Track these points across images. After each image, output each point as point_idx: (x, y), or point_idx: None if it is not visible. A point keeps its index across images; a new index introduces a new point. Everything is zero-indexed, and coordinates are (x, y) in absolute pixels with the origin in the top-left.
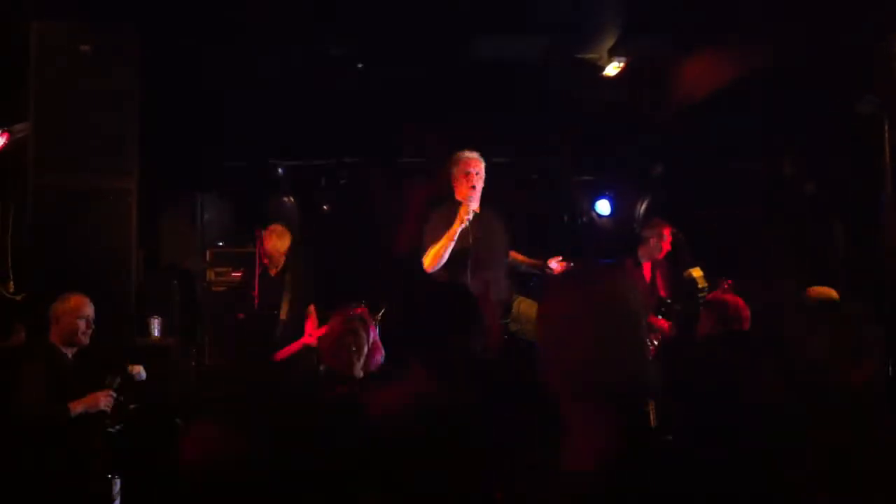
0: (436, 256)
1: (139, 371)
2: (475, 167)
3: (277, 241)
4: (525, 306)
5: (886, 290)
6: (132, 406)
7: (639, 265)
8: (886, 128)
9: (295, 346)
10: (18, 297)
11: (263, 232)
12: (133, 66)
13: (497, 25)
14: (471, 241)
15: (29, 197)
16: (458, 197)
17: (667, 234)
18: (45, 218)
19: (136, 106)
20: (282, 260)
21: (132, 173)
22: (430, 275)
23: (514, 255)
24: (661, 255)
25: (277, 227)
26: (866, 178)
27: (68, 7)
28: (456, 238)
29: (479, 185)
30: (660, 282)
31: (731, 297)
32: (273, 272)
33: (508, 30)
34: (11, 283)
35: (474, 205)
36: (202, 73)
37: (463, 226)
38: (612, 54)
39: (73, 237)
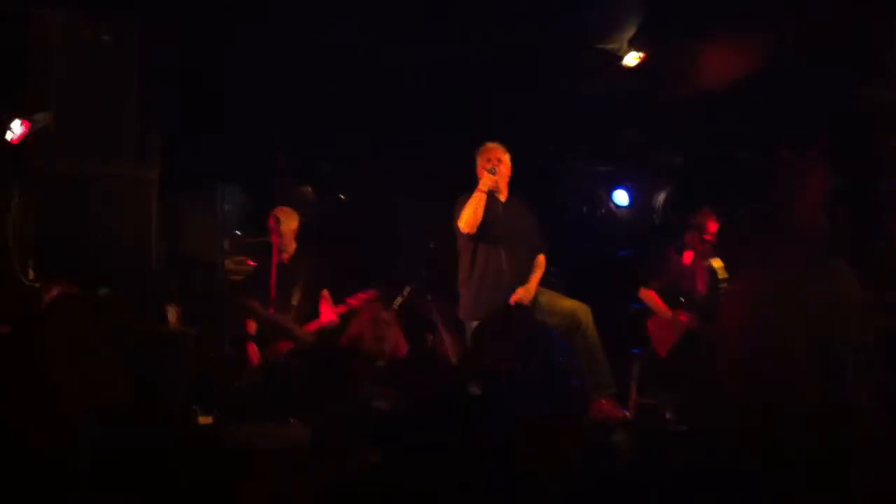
0: (470, 218)
1: None
2: (497, 155)
3: (285, 222)
4: (546, 298)
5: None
6: None
7: (680, 253)
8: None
9: (311, 328)
10: (38, 285)
11: (271, 216)
12: (153, 54)
13: (517, 14)
14: (501, 229)
15: (49, 186)
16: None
17: (711, 225)
18: (65, 207)
19: (157, 93)
20: (293, 245)
21: (154, 162)
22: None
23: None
24: (703, 246)
25: (284, 209)
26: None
27: None
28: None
29: (503, 171)
30: (699, 272)
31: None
32: (286, 258)
33: (528, 18)
34: (32, 271)
35: (497, 188)
36: (225, 61)
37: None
38: (632, 45)
39: (94, 226)
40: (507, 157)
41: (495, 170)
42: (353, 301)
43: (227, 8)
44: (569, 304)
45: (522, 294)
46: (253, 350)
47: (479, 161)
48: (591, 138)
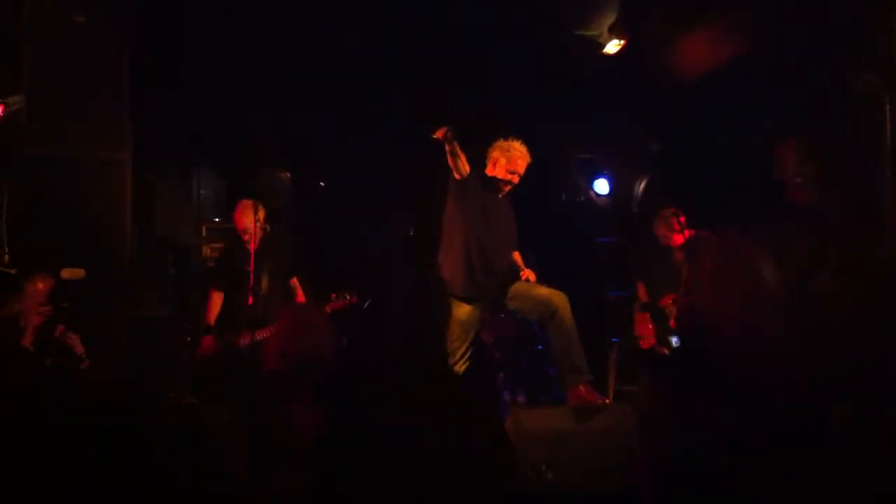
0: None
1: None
2: (520, 168)
3: (244, 216)
4: (522, 285)
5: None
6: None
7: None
8: (888, 108)
9: (263, 334)
10: (13, 271)
11: (236, 209)
12: (129, 37)
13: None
14: (487, 220)
15: (23, 169)
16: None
17: (674, 222)
18: (39, 190)
19: (131, 78)
20: (259, 234)
21: (127, 144)
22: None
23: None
24: (671, 244)
25: (245, 202)
26: (864, 158)
27: None
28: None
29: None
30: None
31: None
32: (251, 247)
33: (507, 5)
34: (7, 255)
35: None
36: (200, 46)
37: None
38: (612, 32)
39: (67, 209)
40: (525, 165)
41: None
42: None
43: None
44: (545, 291)
45: (529, 273)
46: (208, 341)
47: (497, 155)
48: (572, 127)
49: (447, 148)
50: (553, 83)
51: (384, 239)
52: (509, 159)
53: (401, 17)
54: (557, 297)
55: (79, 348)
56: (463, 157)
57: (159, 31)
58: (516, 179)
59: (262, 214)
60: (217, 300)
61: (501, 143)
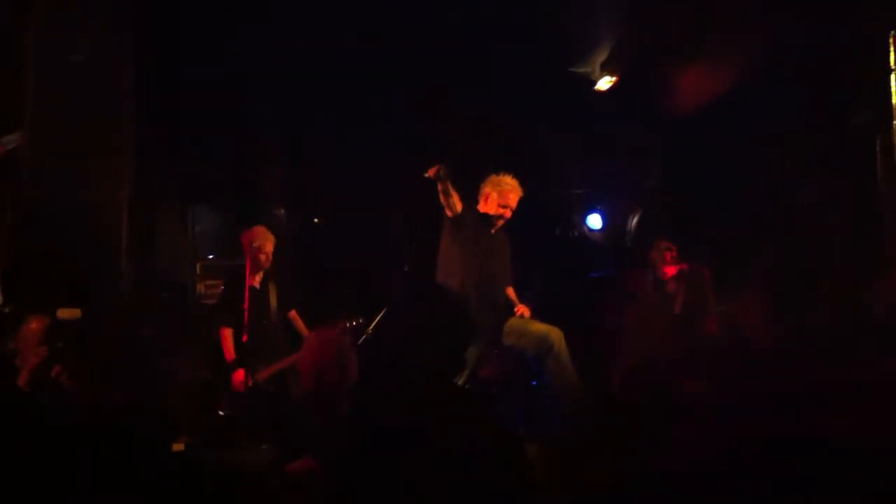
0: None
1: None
2: (511, 202)
3: (260, 240)
4: (518, 321)
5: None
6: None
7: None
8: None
9: (283, 364)
10: (7, 309)
11: (246, 233)
12: (126, 76)
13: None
14: (482, 256)
15: (21, 206)
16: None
17: (667, 254)
18: (36, 227)
19: (129, 116)
20: (264, 264)
21: (124, 183)
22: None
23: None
24: (663, 276)
25: (260, 228)
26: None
27: (62, 17)
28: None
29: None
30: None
31: None
32: (257, 281)
33: (502, 41)
34: (1, 294)
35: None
36: (194, 82)
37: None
38: (604, 69)
39: (64, 247)
40: (517, 199)
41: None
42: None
43: (205, 28)
44: (541, 327)
45: (524, 309)
46: (239, 376)
47: (489, 191)
48: (566, 163)
49: (439, 187)
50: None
51: (385, 262)
52: (500, 193)
53: (398, 18)
54: (554, 333)
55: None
56: (455, 195)
57: (159, 64)
58: (508, 213)
59: (272, 243)
60: (228, 336)
61: (493, 177)
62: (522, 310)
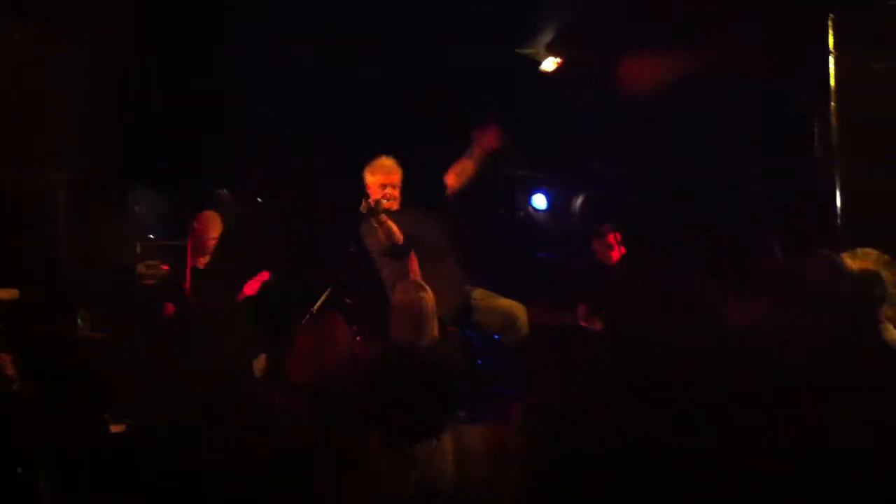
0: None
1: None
2: (393, 180)
3: (208, 227)
4: (483, 297)
5: None
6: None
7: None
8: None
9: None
10: None
11: (195, 219)
12: (64, 57)
13: (436, 21)
14: (403, 239)
15: None
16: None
17: (611, 239)
18: None
19: (69, 98)
20: (210, 249)
21: (63, 167)
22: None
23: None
24: (608, 261)
25: (210, 214)
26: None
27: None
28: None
29: (397, 193)
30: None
31: None
32: (202, 262)
33: (447, 24)
34: None
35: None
36: (139, 61)
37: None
38: (550, 50)
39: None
40: (399, 177)
41: (390, 200)
42: (248, 289)
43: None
44: (504, 302)
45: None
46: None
47: (372, 180)
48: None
49: (372, 221)
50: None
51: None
52: (383, 184)
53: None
54: (517, 308)
55: (10, 370)
56: (393, 226)
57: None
58: (396, 193)
59: (220, 230)
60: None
61: (373, 165)
62: None
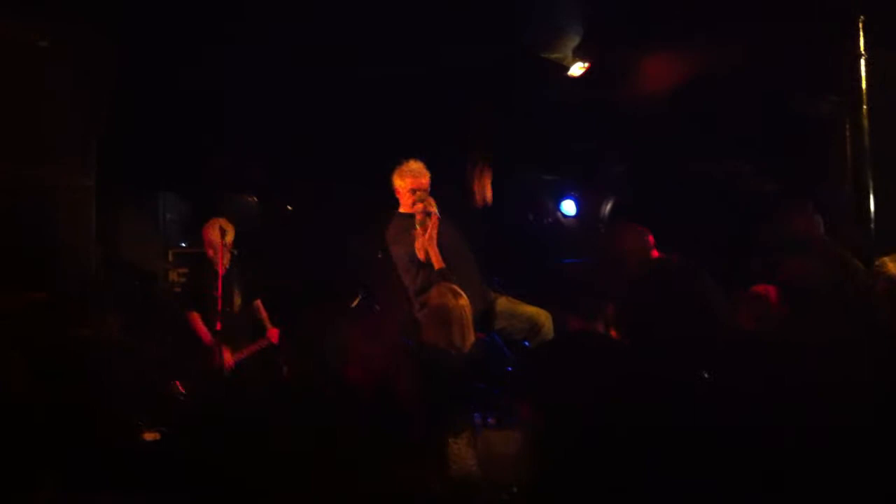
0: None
1: None
2: (423, 184)
3: (214, 234)
4: (506, 303)
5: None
6: None
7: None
8: (847, 127)
9: (255, 347)
10: None
11: (205, 227)
12: (94, 62)
13: (461, 25)
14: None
15: None
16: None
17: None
18: (2, 213)
19: (97, 102)
20: (227, 256)
21: (92, 169)
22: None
23: None
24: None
25: (218, 221)
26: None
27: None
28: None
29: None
30: None
31: None
32: (220, 269)
33: (472, 29)
34: None
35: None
36: (166, 69)
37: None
38: (577, 55)
39: (31, 233)
40: (427, 180)
41: (429, 213)
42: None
43: (176, 15)
44: (530, 308)
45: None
46: (227, 354)
47: (401, 184)
48: (540, 148)
49: (419, 228)
50: (520, 106)
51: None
52: (413, 189)
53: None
54: (543, 315)
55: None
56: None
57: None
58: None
59: (230, 237)
60: (198, 319)
61: (398, 169)
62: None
